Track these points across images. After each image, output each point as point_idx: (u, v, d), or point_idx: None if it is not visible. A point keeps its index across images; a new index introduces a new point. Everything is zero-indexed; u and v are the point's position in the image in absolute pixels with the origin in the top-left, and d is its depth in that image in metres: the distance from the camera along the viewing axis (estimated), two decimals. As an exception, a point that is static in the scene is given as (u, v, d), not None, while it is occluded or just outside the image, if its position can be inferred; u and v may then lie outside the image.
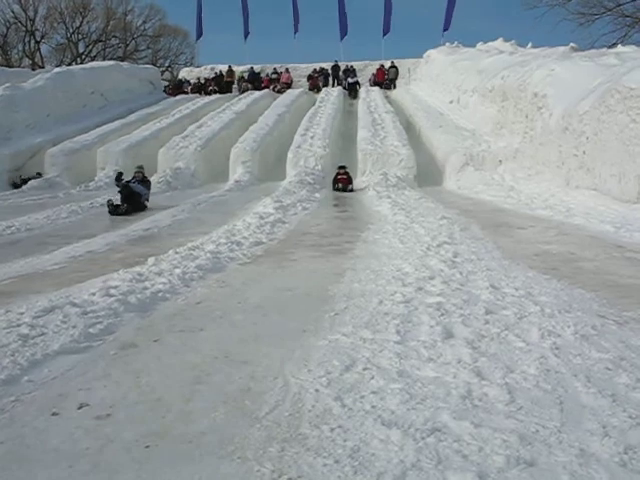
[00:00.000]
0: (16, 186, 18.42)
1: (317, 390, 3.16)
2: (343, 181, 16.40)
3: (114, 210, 12.00)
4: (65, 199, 14.61)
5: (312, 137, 19.95)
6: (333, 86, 32.07)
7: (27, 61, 51.31)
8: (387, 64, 32.75)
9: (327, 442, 2.61)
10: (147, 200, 12.91)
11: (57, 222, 10.83)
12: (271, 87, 31.64)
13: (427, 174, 17.71)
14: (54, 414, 2.99)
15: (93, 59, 48.68)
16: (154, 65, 44.63)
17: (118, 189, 12.55)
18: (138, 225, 10.46)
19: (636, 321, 4.28)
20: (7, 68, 32.89)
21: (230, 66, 34.11)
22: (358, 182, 16.78)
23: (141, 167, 13.54)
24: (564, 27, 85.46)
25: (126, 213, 11.93)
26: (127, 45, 55.62)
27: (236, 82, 32.88)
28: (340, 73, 32.78)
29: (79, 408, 3.05)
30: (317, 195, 14.22)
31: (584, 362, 3.48)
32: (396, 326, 4.21)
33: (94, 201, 13.58)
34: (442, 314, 4.48)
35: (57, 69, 28.34)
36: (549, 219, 9.99)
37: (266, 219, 9.88)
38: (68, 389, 3.29)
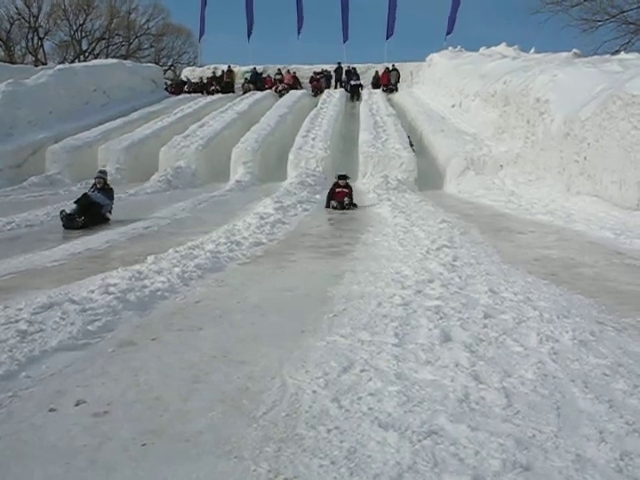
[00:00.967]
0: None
1: (314, 391, 3.16)
2: (340, 196, 12.82)
3: (69, 223, 10.13)
4: (66, 196, 14.59)
5: (313, 139, 19.97)
6: (335, 88, 32.09)
7: (30, 58, 51.38)
8: (388, 67, 32.75)
9: (324, 443, 2.61)
10: (110, 212, 11.08)
11: (57, 219, 10.82)
12: (273, 88, 31.66)
13: (428, 177, 17.73)
14: (51, 410, 2.99)
15: (96, 57, 48.78)
16: (157, 64, 44.68)
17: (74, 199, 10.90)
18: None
19: (634, 328, 4.29)
20: (10, 64, 32.97)
21: (229, 66, 34.14)
22: (358, 184, 16.76)
23: (103, 172, 11.87)
24: (567, 33, 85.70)
25: (84, 226, 10.06)
26: (130, 43, 55.66)
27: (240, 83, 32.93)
28: (343, 75, 32.79)
29: (77, 405, 3.05)
30: (317, 196, 14.21)
31: (582, 367, 3.49)
32: (394, 329, 4.21)
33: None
34: (441, 317, 4.49)
35: (60, 66, 28.31)
36: (549, 224, 10.00)
37: (266, 219, 9.89)
38: (66, 386, 3.29)
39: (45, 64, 41.66)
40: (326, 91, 30.22)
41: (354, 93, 30.43)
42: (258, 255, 7.45)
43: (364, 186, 16.62)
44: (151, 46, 57.00)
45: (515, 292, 5.28)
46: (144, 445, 2.64)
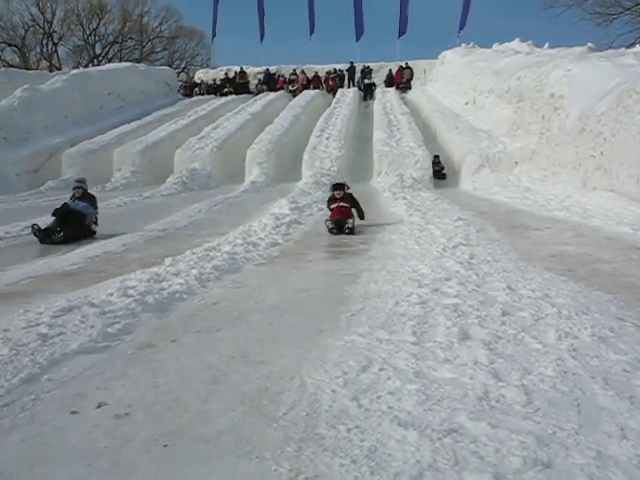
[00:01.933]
0: None
1: (334, 390, 3.17)
2: (337, 214, 9.31)
3: (45, 237, 8.85)
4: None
5: (328, 138, 20.00)
6: (349, 87, 32.07)
7: (45, 63, 51.90)
8: (402, 65, 32.69)
9: (344, 442, 2.61)
10: (95, 222, 9.63)
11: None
12: (285, 86, 31.74)
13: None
14: (73, 413, 3.02)
15: (110, 61, 49.11)
16: (170, 66, 44.91)
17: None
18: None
19: (654, 323, 4.25)
20: (25, 70, 33.30)
21: (242, 67, 34.25)
22: (373, 183, 16.72)
23: (81, 181, 10.28)
24: (581, 27, 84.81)
25: (64, 241, 8.80)
26: (143, 47, 56.00)
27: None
28: (356, 74, 32.77)
29: (98, 407, 3.08)
30: (332, 196, 14.19)
31: (602, 364, 3.46)
32: (412, 327, 4.20)
33: (110, 202, 13.64)
34: (458, 315, 4.47)
35: (74, 71, 28.59)
36: (566, 220, 9.93)
37: (282, 220, 9.90)
38: (87, 388, 3.32)
39: (59, 69, 42.09)
40: (339, 90, 30.23)
41: (367, 92, 30.40)
42: (274, 256, 7.46)
43: (379, 185, 16.62)
44: (164, 49, 57.38)
45: (533, 289, 5.25)
46: (165, 446, 2.65)
